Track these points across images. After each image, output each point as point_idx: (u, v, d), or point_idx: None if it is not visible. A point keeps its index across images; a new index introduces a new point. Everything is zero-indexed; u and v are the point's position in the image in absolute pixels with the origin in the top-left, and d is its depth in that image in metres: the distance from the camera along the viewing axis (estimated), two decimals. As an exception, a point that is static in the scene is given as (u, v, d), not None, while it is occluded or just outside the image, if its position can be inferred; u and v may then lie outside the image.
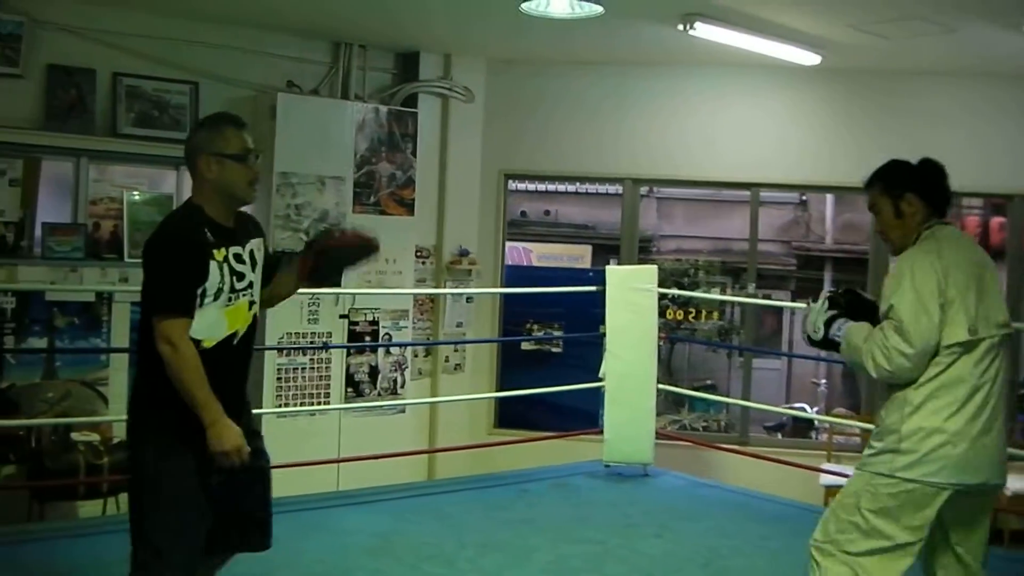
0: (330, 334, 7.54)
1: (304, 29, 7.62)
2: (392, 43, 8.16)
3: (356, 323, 7.72)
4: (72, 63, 6.86)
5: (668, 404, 10.82)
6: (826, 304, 3.69)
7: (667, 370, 11.51)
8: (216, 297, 3.26)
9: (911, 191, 3.58)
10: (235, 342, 3.36)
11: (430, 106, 8.31)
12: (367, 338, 7.79)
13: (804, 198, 13.54)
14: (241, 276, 3.37)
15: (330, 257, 3.69)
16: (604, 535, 5.64)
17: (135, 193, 7.18)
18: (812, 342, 3.74)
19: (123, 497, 6.68)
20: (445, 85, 8.34)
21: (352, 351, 7.72)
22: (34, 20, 6.66)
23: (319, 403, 7.47)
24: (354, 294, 7.50)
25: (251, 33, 7.48)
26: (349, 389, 7.71)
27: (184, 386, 3.17)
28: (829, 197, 13.26)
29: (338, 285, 4.36)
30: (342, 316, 7.62)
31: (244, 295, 3.38)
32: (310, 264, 3.64)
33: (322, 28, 7.65)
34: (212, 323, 3.27)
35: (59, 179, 7.04)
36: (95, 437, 6.46)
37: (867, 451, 3.52)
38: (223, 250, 3.31)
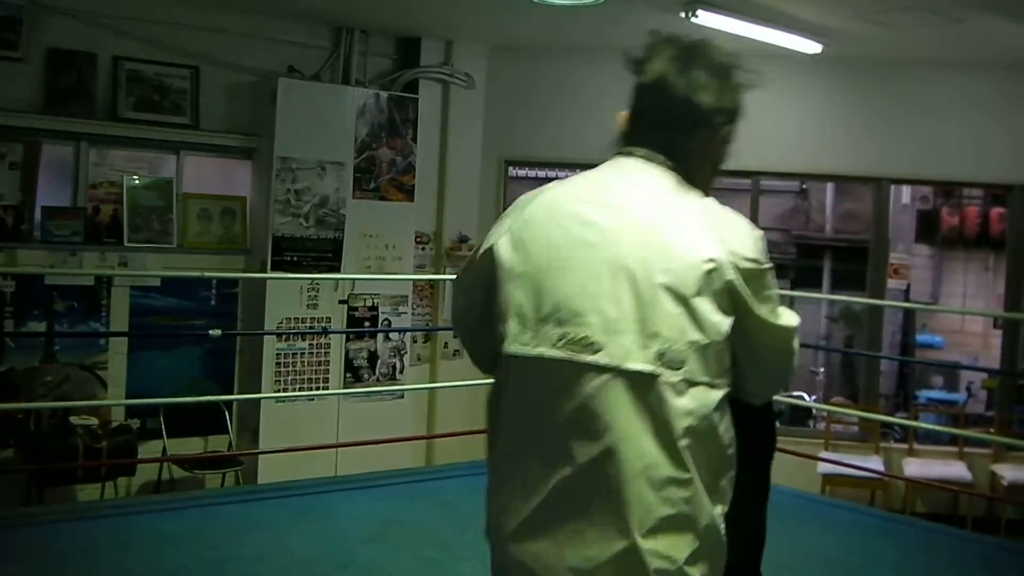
0: (329, 319, 7.55)
1: (305, 14, 7.60)
2: (393, 29, 8.15)
3: (355, 308, 7.72)
4: (73, 47, 6.85)
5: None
6: None
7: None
8: None
9: None
10: None
11: (431, 92, 8.30)
12: (366, 323, 7.79)
13: (804, 187, 13.51)
14: None
15: None
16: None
17: (135, 177, 7.18)
18: None
19: (121, 481, 6.71)
20: (446, 71, 8.33)
21: (351, 336, 7.72)
22: (34, 3, 6.64)
23: (318, 388, 7.47)
24: (354, 279, 7.50)
25: (252, 18, 7.46)
26: (348, 374, 7.72)
27: None
28: (829, 186, 13.23)
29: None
30: (341, 301, 7.62)
31: None
32: None
33: (323, 13, 7.63)
34: None
35: (59, 163, 7.03)
36: (94, 421, 6.48)
37: None
38: None
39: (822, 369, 12.67)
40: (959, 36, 7.04)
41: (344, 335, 7.66)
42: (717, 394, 1.88)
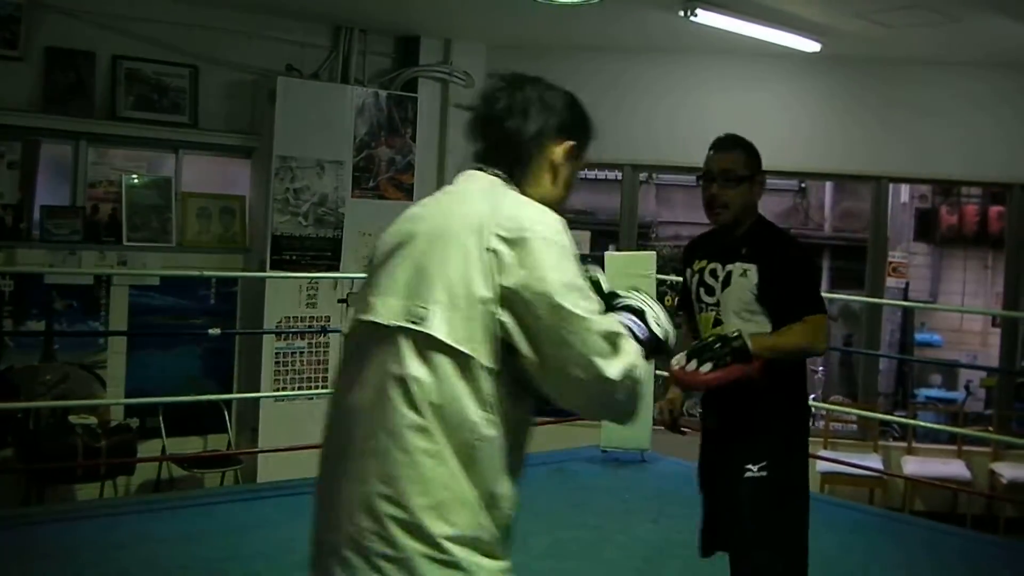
0: (328, 318, 7.54)
1: (304, 13, 7.60)
2: (392, 27, 8.14)
3: (355, 308, 7.72)
4: (71, 46, 6.84)
5: (665, 390, 10.85)
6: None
7: (665, 356, 11.52)
8: None
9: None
10: None
11: (430, 91, 8.30)
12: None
13: (803, 185, 13.51)
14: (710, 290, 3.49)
15: None
16: (601, 520, 5.65)
17: (134, 176, 7.17)
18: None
19: (120, 480, 6.70)
20: (445, 70, 8.32)
21: (350, 335, 7.71)
22: (33, 2, 6.63)
23: (317, 387, 7.47)
24: (352, 278, 7.50)
25: (251, 17, 7.45)
26: (347, 374, 7.70)
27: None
28: (828, 185, 13.24)
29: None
30: (340, 300, 7.62)
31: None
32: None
33: (322, 12, 7.63)
34: None
35: (58, 162, 7.03)
36: (93, 420, 6.48)
37: None
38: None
39: (821, 367, 12.66)
40: (957, 35, 7.04)
41: (343, 334, 7.65)
42: (464, 360, 1.95)
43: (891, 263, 8.73)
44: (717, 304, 3.46)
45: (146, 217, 7.11)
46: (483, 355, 1.97)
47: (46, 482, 6.36)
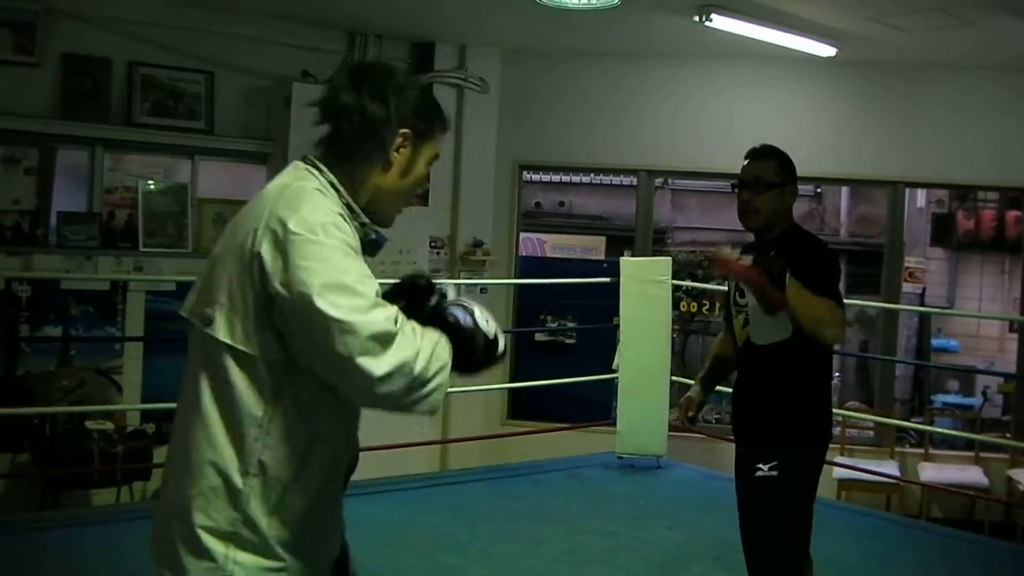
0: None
1: (320, 19, 7.61)
2: (407, 33, 8.15)
3: (370, 313, 7.72)
4: (88, 52, 6.87)
5: (681, 396, 10.84)
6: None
7: (681, 362, 11.48)
8: None
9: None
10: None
11: (445, 96, 8.29)
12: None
13: (819, 191, 13.47)
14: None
15: None
16: (616, 526, 5.64)
17: (150, 182, 7.19)
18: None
19: (136, 485, 6.71)
20: (460, 76, 8.33)
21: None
22: (49, 9, 6.66)
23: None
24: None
25: (267, 22, 7.47)
26: (362, 379, 7.70)
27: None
28: (844, 190, 13.19)
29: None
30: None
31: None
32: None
33: (338, 18, 7.64)
34: None
35: (74, 168, 7.05)
36: (109, 425, 6.48)
37: None
38: None
39: (837, 373, 12.61)
40: (973, 38, 7.02)
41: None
42: (243, 358, 2.04)
43: (907, 268, 8.70)
44: (747, 306, 3.53)
45: (162, 223, 7.12)
46: (265, 351, 2.03)
47: (62, 487, 6.37)
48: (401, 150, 2.22)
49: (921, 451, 8.44)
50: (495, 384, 8.34)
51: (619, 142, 8.61)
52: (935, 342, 12.25)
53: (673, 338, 7.19)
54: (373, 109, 2.17)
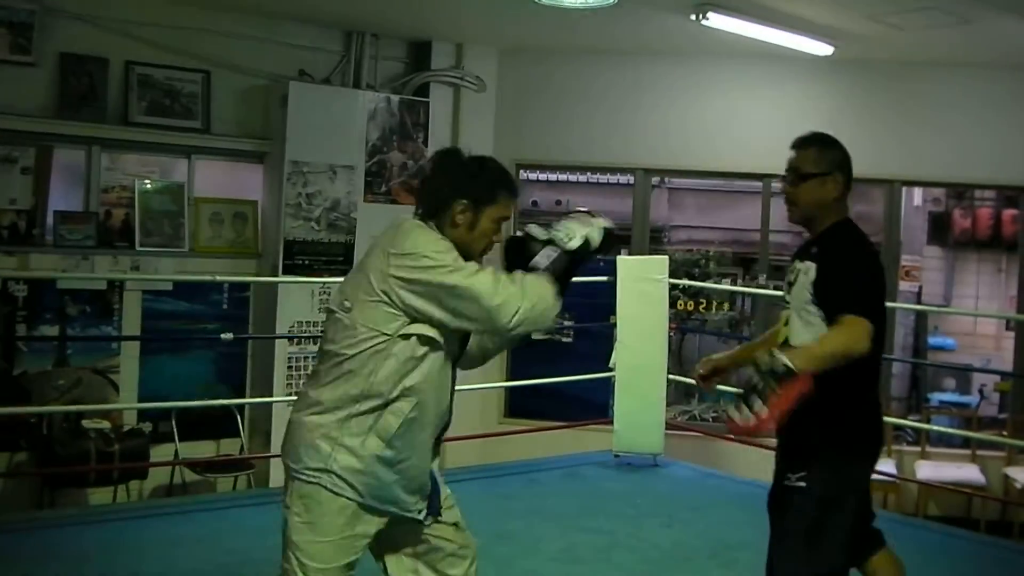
0: (341, 323, 7.53)
1: (316, 18, 7.62)
2: (404, 32, 8.16)
3: (367, 312, 7.72)
4: (84, 51, 6.87)
5: (678, 395, 10.79)
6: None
7: (677, 361, 11.47)
8: None
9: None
10: None
11: (442, 95, 8.30)
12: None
13: (816, 189, 13.48)
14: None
15: None
16: (613, 525, 5.64)
17: (147, 182, 7.19)
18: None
19: (133, 484, 6.72)
20: (457, 74, 8.33)
21: (362, 340, 7.71)
22: (46, 8, 6.66)
23: (329, 392, 7.47)
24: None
25: (263, 22, 7.47)
26: (359, 378, 7.71)
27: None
28: (841, 188, 13.20)
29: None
30: (353, 305, 7.62)
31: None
32: None
33: (334, 17, 7.64)
34: None
35: (71, 167, 7.05)
36: (106, 424, 6.49)
37: None
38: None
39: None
40: (970, 37, 7.02)
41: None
42: (377, 337, 2.87)
43: (904, 267, 8.70)
44: (789, 304, 3.40)
45: (159, 222, 7.13)
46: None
47: (59, 486, 6.37)
48: (464, 214, 3.02)
49: (918, 449, 8.45)
50: (492, 383, 8.36)
51: (616, 141, 8.61)
52: (932, 340, 12.25)
53: (670, 336, 7.18)
54: (440, 186, 3.07)
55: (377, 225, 7.70)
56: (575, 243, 3.06)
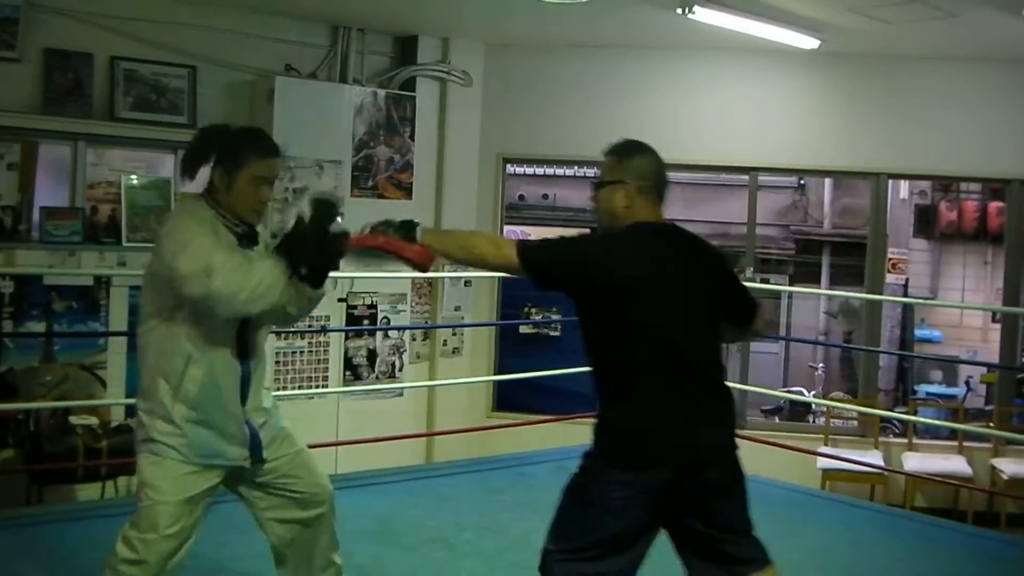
0: (328, 318, 7.54)
1: (303, 13, 7.60)
2: (390, 27, 8.14)
3: (354, 307, 7.73)
4: (69, 47, 6.84)
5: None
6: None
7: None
8: None
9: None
10: None
11: (428, 90, 8.30)
12: (365, 322, 7.79)
13: (802, 182, 13.53)
14: None
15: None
16: (602, 518, 5.64)
17: (133, 177, 7.16)
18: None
19: (121, 480, 6.69)
20: (443, 69, 8.33)
21: (350, 335, 7.72)
22: (31, 3, 6.63)
23: (317, 387, 7.47)
24: (352, 278, 7.49)
25: (249, 17, 7.45)
26: (347, 373, 7.72)
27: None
28: (827, 181, 13.25)
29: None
30: (340, 300, 7.62)
31: None
32: None
33: (321, 12, 7.63)
34: None
35: (57, 163, 7.03)
36: (94, 420, 6.47)
37: None
38: None
39: (821, 364, 12.68)
40: (956, 30, 7.04)
41: (343, 333, 7.66)
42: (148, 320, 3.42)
43: (891, 259, 8.72)
44: None
45: (145, 218, 7.10)
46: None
47: (47, 483, 6.35)
48: (221, 179, 3.46)
49: (905, 441, 8.48)
50: (480, 377, 8.37)
51: (602, 134, 8.49)
52: (918, 332, 12.32)
53: (657, 330, 7.17)
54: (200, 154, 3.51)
55: (364, 220, 7.72)
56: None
